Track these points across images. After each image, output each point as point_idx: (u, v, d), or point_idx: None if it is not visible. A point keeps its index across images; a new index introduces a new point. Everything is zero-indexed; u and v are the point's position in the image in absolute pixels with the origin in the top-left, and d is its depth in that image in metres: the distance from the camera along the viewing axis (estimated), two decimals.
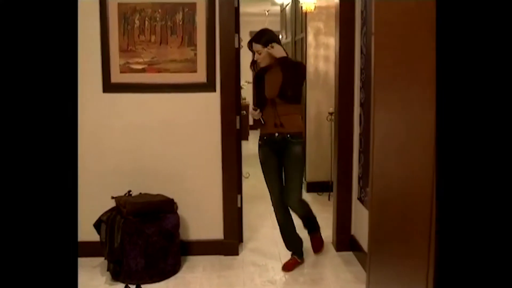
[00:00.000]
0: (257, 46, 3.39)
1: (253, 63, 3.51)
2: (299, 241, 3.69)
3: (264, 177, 3.59)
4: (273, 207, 3.65)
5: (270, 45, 3.35)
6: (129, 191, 3.60)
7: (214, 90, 3.64)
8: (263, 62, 3.41)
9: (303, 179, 4.18)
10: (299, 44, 6.40)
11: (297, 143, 3.39)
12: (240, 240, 4.00)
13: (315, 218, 3.76)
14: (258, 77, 3.51)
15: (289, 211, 3.60)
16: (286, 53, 3.45)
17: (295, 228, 3.66)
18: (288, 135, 3.37)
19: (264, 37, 3.39)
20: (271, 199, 3.63)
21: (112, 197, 3.53)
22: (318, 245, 3.77)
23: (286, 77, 3.30)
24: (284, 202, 3.54)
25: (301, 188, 3.55)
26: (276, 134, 3.40)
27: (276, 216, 3.67)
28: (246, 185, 4.20)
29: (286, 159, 3.42)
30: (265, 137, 3.47)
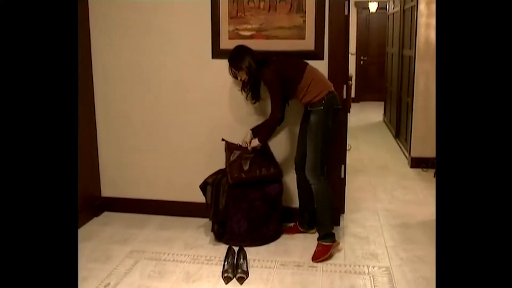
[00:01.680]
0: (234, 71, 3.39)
1: (244, 85, 3.46)
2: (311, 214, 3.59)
3: None
4: None
5: (235, 72, 3.36)
6: None
7: (322, 58, 3.58)
8: (246, 78, 3.37)
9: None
10: (408, 13, 6.12)
11: (314, 112, 3.25)
12: (342, 211, 3.96)
13: (329, 215, 3.36)
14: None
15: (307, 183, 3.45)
16: (250, 67, 3.30)
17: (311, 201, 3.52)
18: (309, 105, 3.29)
19: (234, 65, 3.35)
20: None
21: (223, 139, 3.63)
22: (319, 254, 3.27)
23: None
24: (301, 168, 3.45)
25: (317, 158, 3.25)
26: (304, 104, 3.37)
27: None
28: (348, 157, 4.12)
29: (307, 127, 3.33)
30: None
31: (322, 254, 3.26)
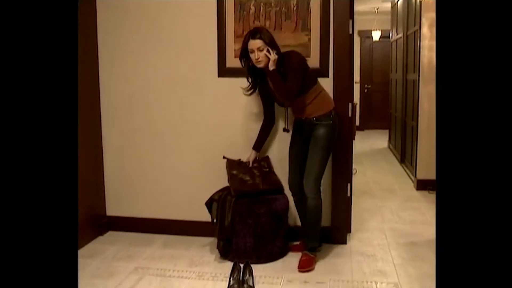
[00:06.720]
0: (257, 43, 3.11)
1: (248, 63, 3.25)
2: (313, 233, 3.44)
3: (288, 159, 3.53)
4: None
5: (271, 50, 3.12)
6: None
7: (327, 76, 3.61)
8: (263, 61, 3.14)
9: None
10: (411, 38, 6.19)
11: (322, 125, 3.24)
12: (348, 230, 3.92)
13: (319, 230, 3.43)
14: (261, 81, 3.35)
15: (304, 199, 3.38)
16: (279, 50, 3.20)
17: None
18: (314, 118, 3.27)
19: (264, 34, 3.14)
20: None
21: (224, 157, 3.63)
22: (305, 264, 3.30)
23: (285, 77, 3.13)
24: (300, 188, 3.38)
25: (322, 171, 3.28)
26: (303, 118, 3.32)
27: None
28: (354, 181, 4.11)
29: (310, 141, 3.29)
30: (294, 122, 3.46)
31: (309, 265, 3.30)
